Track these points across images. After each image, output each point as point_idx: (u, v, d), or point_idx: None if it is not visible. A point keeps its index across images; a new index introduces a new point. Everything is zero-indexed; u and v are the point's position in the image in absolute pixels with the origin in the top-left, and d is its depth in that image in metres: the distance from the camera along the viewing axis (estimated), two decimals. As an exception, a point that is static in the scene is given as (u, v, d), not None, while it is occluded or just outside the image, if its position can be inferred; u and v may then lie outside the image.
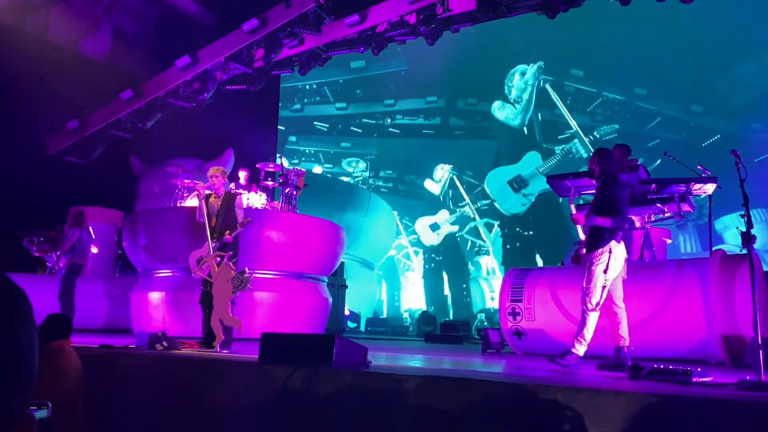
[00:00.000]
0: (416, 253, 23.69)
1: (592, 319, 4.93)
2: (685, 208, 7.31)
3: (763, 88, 18.98)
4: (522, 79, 22.82)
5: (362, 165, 24.37)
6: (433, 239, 23.51)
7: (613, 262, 4.94)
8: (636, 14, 11.95)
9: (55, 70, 12.13)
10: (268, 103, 15.84)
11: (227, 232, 6.62)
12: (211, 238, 6.63)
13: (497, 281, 21.74)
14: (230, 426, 4.37)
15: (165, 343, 5.94)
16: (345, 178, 24.12)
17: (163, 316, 8.79)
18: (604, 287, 4.94)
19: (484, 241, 23.09)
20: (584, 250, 5.15)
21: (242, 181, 9.98)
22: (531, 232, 21.65)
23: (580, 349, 4.91)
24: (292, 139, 24.83)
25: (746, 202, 4.26)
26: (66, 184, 12.84)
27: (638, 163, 7.69)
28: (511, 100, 23.08)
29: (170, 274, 9.10)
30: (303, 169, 10.80)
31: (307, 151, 25.08)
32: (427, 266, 23.53)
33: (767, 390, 3.51)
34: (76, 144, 14.13)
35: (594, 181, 5.47)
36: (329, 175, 23.94)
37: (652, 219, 7.71)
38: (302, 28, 11.68)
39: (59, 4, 13.69)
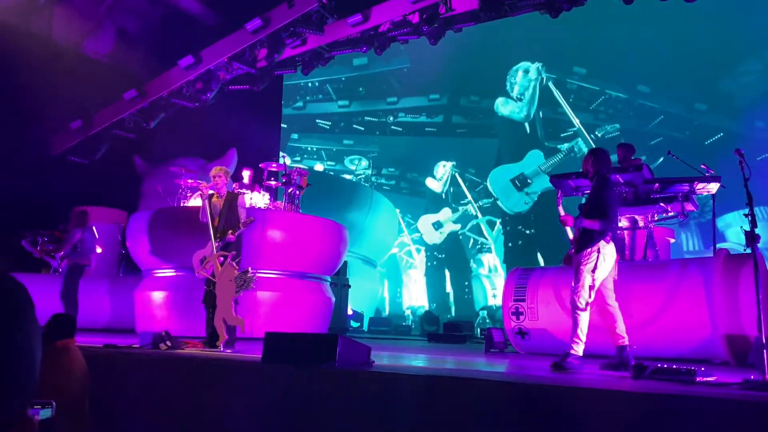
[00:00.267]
0: (418, 250, 23.70)
1: (584, 319, 4.93)
2: (689, 207, 7.30)
3: (767, 86, 18.94)
4: (525, 76, 22.80)
5: (365, 163, 24.38)
6: (436, 237, 23.53)
7: (601, 261, 4.94)
8: (639, 12, 11.91)
9: (58, 71, 12.17)
10: (270, 103, 15.84)
11: (230, 231, 6.63)
12: (214, 238, 6.64)
13: (499, 279, 21.76)
14: (233, 425, 4.37)
15: (168, 343, 5.95)
16: (347, 176, 24.13)
17: (166, 315, 8.81)
18: (592, 287, 4.93)
19: (486, 239, 23.10)
20: (573, 251, 5.15)
21: (246, 180, 9.99)
22: (533, 231, 21.64)
23: (579, 349, 4.91)
24: (295, 136, 24.83)
25: (750, 202, 4.25)
26: (70, 184, 12.87)
27: (642, 162, 7.69)
28: (514, 98, 23.07)
29: (174, 274, 9.12)
30: (306, 169, 10.80)
31: (309, 148, 25.07)
32: (429, 264, 23.55)
33: (771, 390, 3.50)
34: (79, 144, 14.16)
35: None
36: (332, 173, 23.94)
37: (656, 218, 7.70)
38: (305, 28, 11.68)
39: (63, 5, 13.72)
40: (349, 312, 13.71)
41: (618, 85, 21.61)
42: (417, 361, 6.23)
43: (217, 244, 6.61)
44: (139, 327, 9.05)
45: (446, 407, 3.74)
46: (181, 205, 10.08)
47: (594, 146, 21.01)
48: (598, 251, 4.93)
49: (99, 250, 9.98)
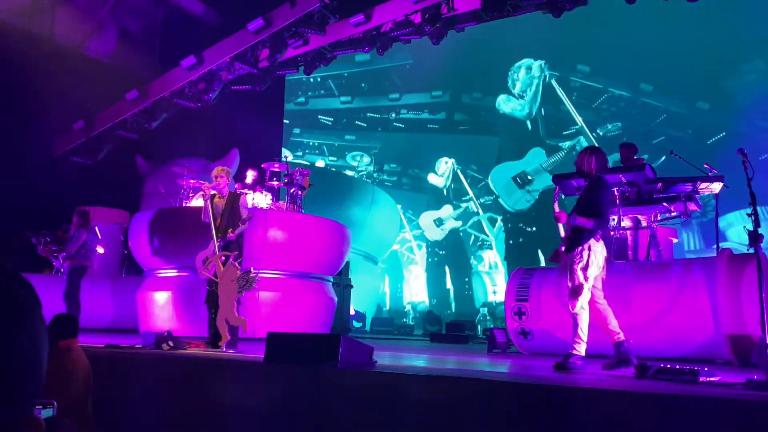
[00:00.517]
0: (419, 246, 23.73)
1: (584, 319, 4.93)
2: (692, 207, 7.28)
3: (770, 85, 18.89)
4: (527, 73, 22.78)
5: (366, 159, 24.38)
6: (437, 234, 23.56)
7: (593, 259, 4.95)
8: (643, 11, 11.90)
9: (61, 71, 12.17)
10: (273, 103, 15.85)
11: (230, 230, 6.64)
12: (216, 238, 6.65)
13: (499, 275, 21.79)
14: (236, 426, 4.37)
15: (171, 343, 5.95)
16: (349, 172, 24.13)
17: (169, 316, 8.82)
18: (586, 285, 4.93)
19: (487, 236, 23.11)
20: (563, 248, 5.14)
21: (248, 180, 9.99)
22: (534, 229, 21.63)
23: (581, 349, 4.90)
24: (296, 131, 24.83)
25: (753, 201, 4.24)
26: (72, 185, 12.89)
27: (644, 161, 7.67)
28: (515, 94, 23.06)
29: (176, 274, 9.13)
30: (308, 169, 10.81)
31: (311, 143, 25.05)
32: (430, 260, 23.58)
33: (775, 390, 3.49)
34: (82, 144, 14.18)
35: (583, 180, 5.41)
36: (333, 169, 23.94)
37: (659, 218, 7.69)
38: (307, 28, 11.68)
39: (65, 5, 13.73)
40: (352, 312, 13.71)
41: (621, 84, 21.59)
42: (419, 361, 6.22)
43: (219, 244, 6.61)
44: (142, 327, 9.07)
45: (449, 407, 3.74)
46: (184, 205, 10.09)
47: (595, 143, 21.02)
48: (589, 249, 4.95)
49: (101, 250, 10.00)
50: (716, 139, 19.18)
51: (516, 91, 23.04)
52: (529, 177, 22.22)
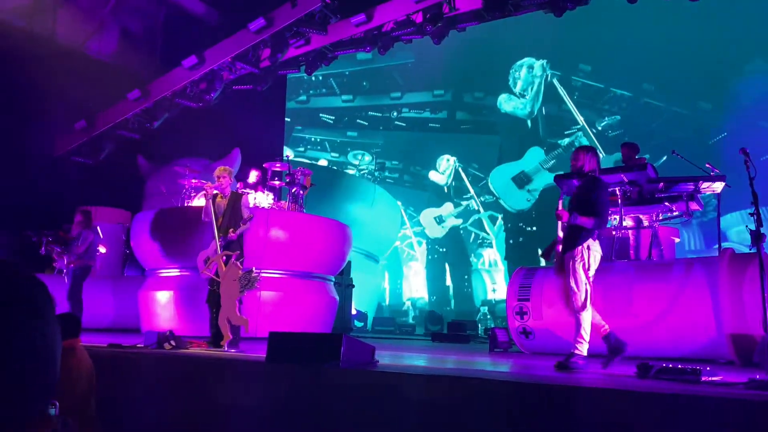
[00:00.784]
0: (420, 243, 23.75)
1: (586, 318, 4.94)
2: (694, 206, 7.28)
3: (772, 85, 18.84)
4: (529, 72, 22.77)
5: (368, 157, 24.39)
6: (437, 232, 23.58)
7: (592, 258, 5.00)
8: (645, 10, 11.88)
9: (62, 71, 12.18)
10: (274, 103, 15.86)
11: (231, 230, 6.65)
12: (218, 238, 6.66)
13: (499, 274, 21.82)
14: (238, 425, 4.38)
15: (173, 343, 5.95)
16: (351, 171, 24.13)
17: (170, 315, 8.83)
18: (587, 284, 4.95)
19: (488, 234, 23.12)
20: (560, 247, 5.15)
21: (251, 180, 9.99)
22: (534, 228, 21.62)
23: (583, 349, 4.91)
24: (298, 128, 24.82)
25: (756, 201, 4.24)
26: (73, 184, 12.89)
27: (646, 161, 7.67)
28: (516, 93, 23.05)
29: (178, 274, 9.14)
30: (309, 169, 10.82)
31: (313, 139, 25.03)
32: (430, 257, 23.59)
33: (777, 389, 3.48)
34: (84, 144, 14.19)
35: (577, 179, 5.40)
36: (335, 168, 23.95)
37: (660, 218, 7.68)
38: (308, 28, 11.68)
39: (66, 5, 13.74)
40: (353, 312, 13.72)
41: (623, 83, 21.56)
42: (421, 360, 6.22)
43: (220, 244, 6.62)
44: (144, 327, 9.08)
45: (450, 407, 3.74)
46: (185, 205, 10.10)
47: (596, 142, 21.02)
48: (588, 248, 4.99)
49: (103, 250, 10.01)
50: (718, 140, 19.14)
51: (517, 90, 23.03)
52: (529, 177, 22.22)
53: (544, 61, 22.55)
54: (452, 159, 23.88)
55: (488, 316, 19.12)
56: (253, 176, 10.02)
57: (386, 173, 24.56)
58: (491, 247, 22.91)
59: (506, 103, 23.26)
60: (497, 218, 22.92)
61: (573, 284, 4.95)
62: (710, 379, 3.89)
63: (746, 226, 4.30)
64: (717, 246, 7.27)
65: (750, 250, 4.43)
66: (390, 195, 20.51)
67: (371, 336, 12.60)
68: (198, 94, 13.25)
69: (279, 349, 4.64)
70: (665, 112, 20.75)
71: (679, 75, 19.71)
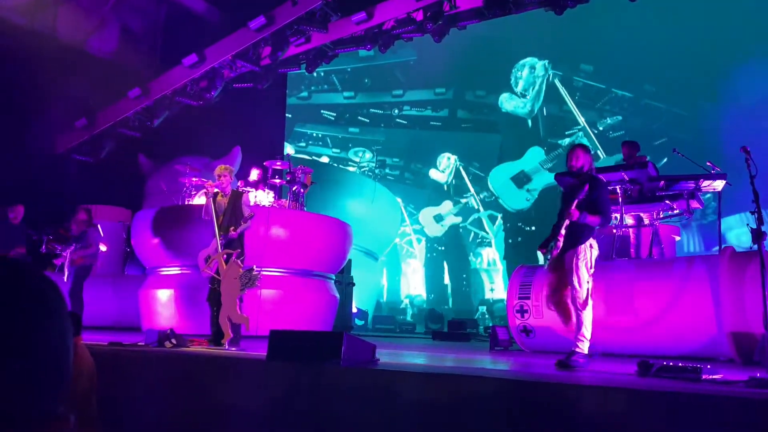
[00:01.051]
0: (419, 240, 23.75)
1: (587, 316, 4.95)
2: (694, 204, 7.27)
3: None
4: (531, 73, 22.75)
5: (368, 155, 24.37)
6: (437, 230, 23.58)
7: (592, 257, 5.04)
8: (647, 10, 11.88)
9: (63, 69, 12.17)
10: (275, 101, 15.84)
11: (231, 228, 6.65)
12: (219, 237, 6.66)
13: (497, 273, 21.82)
14: (238, 423, 4.38)
15: (174, 341, 5.96)
16: (351, 168, 24.12)
17: (171, 313, 8.83)
18: (589, 281, 4.98)
19: (487, 233, 23.12)
20: (558, 249, 5.15)
21: (252, 178, 9.99)
22: (533, 228, 21.62)
23: (584, 347, 4.92)
24: (300, 122, 24.79)
25: (757, 199, 4.23)
26: (74, 182, 12.89)
27: (647, 159, 7.66)
28: (518, 93, 23.04)
29: (178, 272, 9.14)
30: (310, 167, 10.82)
31: (314, 134, 24.99)
32: (428, 255, 23.59)
33: (778, 388, 3.48)
34: (84, 142, 14.20)
35: (572, 177, 5.39)
36: (335, 165, 23.94)
37: (661, 216, 7.67)
38: (309, 26, 11.68)
39: (67, 3, 13.73)
40: (354, 310, 13.72)
41: (624, 84, 21.53)
42: (421, 358, 6.23)
43: (221, 242, 6.62)
44: (145, 325, 9.08)
45: (451, 405, 3.74)
46: (186, 203, 10.10)
47: (596, 142, 21.01)
48: (591, 247, 5.04)
49: (104, 248, 10.00)
50: (718, 141, 19.10)
51: (518, 90, 23.01)
52: (528, 176, 22.21)
53: (546, 61, 22.52)
54: (453, 157, 23.87)
55: (486, 316, 19.14)
56: (253, 174, 10.02)
57: (387, 170, 24.53)
58: (490, 246, 22.91)
59: (507, 102, 23.25)
60: (497, 217, 22.92)
61: (576, 282, 4.96)
62: (711, 377, 3.89)
63: (747, 224, 4.29)
64: (717, 248, 7.27)
65: (751, 248, 4.42)
66: (390, 192, 20.49)
67: (372, 334, 12.60)
68: (198, 93, 13.25)
69: (279, 347, 4.64)
70: (666, 114, 20.73)
71: (680, 76, 19.69)
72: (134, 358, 5.38)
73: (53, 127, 13.95)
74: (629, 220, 7.62)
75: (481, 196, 23.28)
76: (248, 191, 8.93)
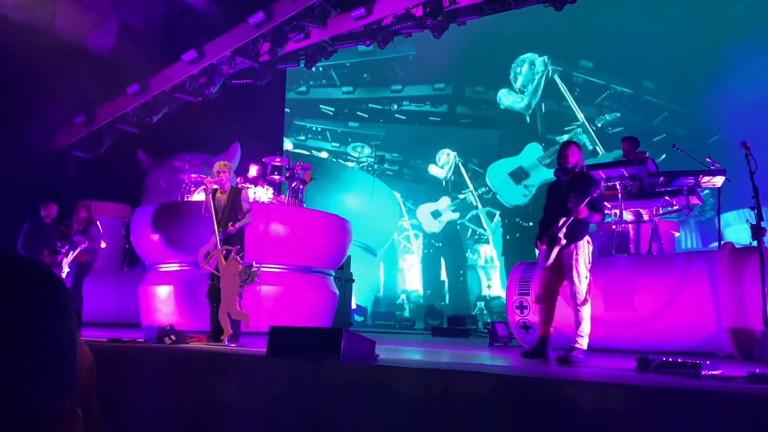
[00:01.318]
0: (416, 236, 23.76)
1: (586, 312, 4.96)
2: (694, 200, 7.27)
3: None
4: (530, 69, 22.73)
5: (367, 150, 24.35)
6: (434, 226, 23.59)
7: (589, 253, 5.08)
8: (648, 7, 11.86)
9: (62, 65, 12.15)
10: (274, 97, 15.83)
11: (230, 224, 6.65)
12: (218, 233, 6.65)
13: (495, 270, 21.84)
14: (238, 419, 4.38)
15: (173, 337, 5.96)
16: (350, 164, 24.10)
17: (171, 310, 8.83)
18: (587, 277, 5.00)
19: (485, 230, 23.13)
20: (559, 246, 5.16)
21: (251, 174, 9.98)
22: (531, 224, 21.65)
23: (583, 343, 4.94)
24: (298, 117, 24.75)
25: (756, 194, 4.23)
26: (73, 179, 12.87)
27: (646, 155, 7.66)
28: (516, 89, 23.01)
29: (178, 268, 9.14)
30: (309, 164, 10.81)
31: (314, 128, 24.94)
32: (426, 251, 23.60)
33: (777, 383, 3.49)
34: (83, 138, 14.17)
35: (564, 174, 5.38)
36: (334, 160, 23.92)
37: (661, 212, 7.67)
38: (308, 22, 11.65)
39: (66, -1, 13.71)
40: (353, 306, 13.73)
41: (624, 80, 21.51)
42: (421, 354, 6.23)
43: (220, 238, 6.62)
44: (144, 321, 9.08)
45: (451, 401, 3.74)
46: (185, 199, 10.09)
47: (595, 138, 21.00)
48: (588, 243, 5.07)
49: (103, 244, 9.99)
50: (717, 138, 19.09)
51: (517, 86, 22.98)
52: (526, 172, 22.21)
53: (546, 57, 22.49)
54: (452, 154, 23.86)
55: (484, 312, 19.17)
56: (252, 171, 10.00)
57: (386, 166, 24.52)
58: (488, 243, 22.92)
59: (505, 98, 23.23)
60: (495, 214, 22.92)
61: (575, 278, 4.96)
62: (710, 372, 3.89)
63: (747, 221, 4.29)
64: (716, 244, 7.27)
65: (751, 243, 4.42)
66: (388, 188, 20.48)
67: (371, 330, 12.62)
68: (197, 89, 13.22)
69: (279, 343, 4.65)
70: (665, 110, 20.72)
71: (679, 73, 19.68)
72: (134, 354, 5.38)
73: (52, 124, 13.92)
74: (628, 216, 7.62)
75: (479, 192, 23.27)
76: (247, 187, 8.92)
